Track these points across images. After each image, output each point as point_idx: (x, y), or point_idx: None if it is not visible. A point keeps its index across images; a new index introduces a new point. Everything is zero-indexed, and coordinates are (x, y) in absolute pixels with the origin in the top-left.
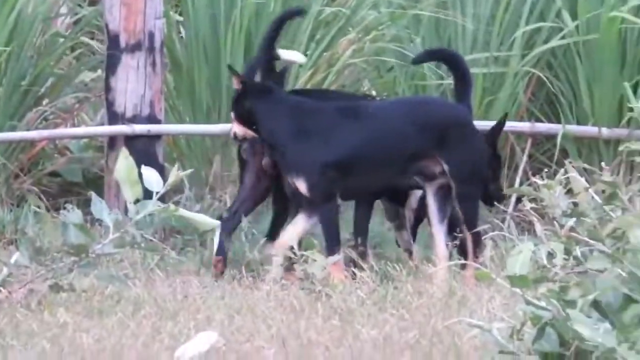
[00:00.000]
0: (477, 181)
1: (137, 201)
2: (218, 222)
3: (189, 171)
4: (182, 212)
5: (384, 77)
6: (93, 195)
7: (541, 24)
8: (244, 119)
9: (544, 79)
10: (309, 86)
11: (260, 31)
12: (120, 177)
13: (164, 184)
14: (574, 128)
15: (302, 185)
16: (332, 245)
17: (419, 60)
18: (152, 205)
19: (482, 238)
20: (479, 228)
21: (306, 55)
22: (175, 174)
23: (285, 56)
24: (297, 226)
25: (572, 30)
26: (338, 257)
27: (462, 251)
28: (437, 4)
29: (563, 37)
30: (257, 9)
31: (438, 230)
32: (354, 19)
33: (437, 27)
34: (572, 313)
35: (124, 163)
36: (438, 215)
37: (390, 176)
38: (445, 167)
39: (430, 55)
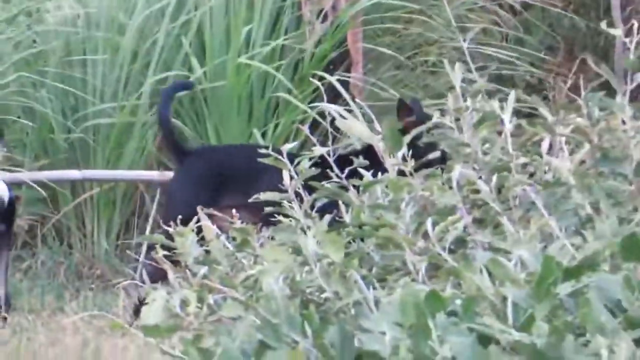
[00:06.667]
0: None
1: None
2: None
3: None
4: None
5: (10, 127)
6: None
7: (167, 73)
8: None
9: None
10: None
11: None
12: None
13: None
14: None
15: None
16: None
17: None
18: None
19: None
20: None
21: None
22: None
23: None
24: None
25: (200, 77)
26: None
27: None
28: (62, 58)
29: None
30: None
31: None
32: None
33: (62, 79)
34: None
35: None
36: None
37: None
38: None
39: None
